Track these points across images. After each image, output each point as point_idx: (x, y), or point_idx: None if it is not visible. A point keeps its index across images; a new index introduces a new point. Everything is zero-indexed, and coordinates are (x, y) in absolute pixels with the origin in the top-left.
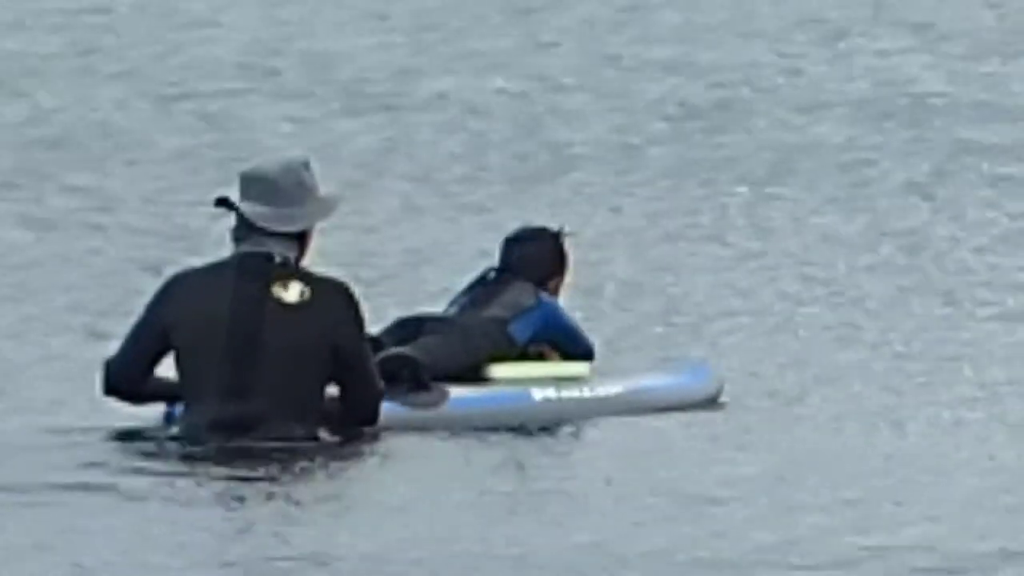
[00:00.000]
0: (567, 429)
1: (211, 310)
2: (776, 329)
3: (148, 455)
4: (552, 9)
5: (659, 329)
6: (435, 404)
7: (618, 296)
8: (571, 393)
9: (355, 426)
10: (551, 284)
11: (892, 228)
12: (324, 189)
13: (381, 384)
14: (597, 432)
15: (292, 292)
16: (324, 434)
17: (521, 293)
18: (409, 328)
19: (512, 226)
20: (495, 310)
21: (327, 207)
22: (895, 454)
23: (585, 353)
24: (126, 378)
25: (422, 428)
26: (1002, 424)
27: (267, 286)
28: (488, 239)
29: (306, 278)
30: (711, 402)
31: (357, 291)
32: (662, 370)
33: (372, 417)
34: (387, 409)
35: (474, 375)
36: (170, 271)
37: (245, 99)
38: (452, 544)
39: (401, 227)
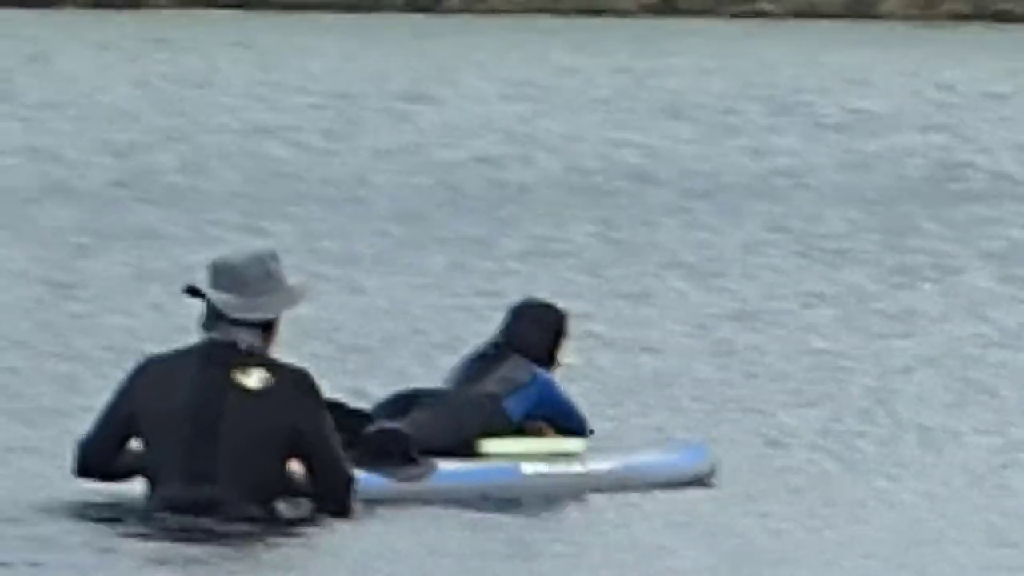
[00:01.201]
0: (555, 507)
1: (174, 396)
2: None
3: (108, 534)
4: None
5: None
6: (420, 477)
7: None
8: (560, 468)
9: (327, 512)
10: (552, 362)
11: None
12: (291, 279)
13: (348, 468)
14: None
15: (253, 378)
16: (285, 514)
17: (516, 369)
18: (403, 402)
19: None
20: (489, 386)
21: (293, 297)
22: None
23: (579, 429)
24: (97, 460)
25: (409, 501)
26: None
27: (229, 372)
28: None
29: (268, 365)
30: (701, 481)
31: (318, 379)
32: (656, 448)
33: (342, 500)
34: (374, 483)
35: (466, 450)
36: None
37: None
38: None
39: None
